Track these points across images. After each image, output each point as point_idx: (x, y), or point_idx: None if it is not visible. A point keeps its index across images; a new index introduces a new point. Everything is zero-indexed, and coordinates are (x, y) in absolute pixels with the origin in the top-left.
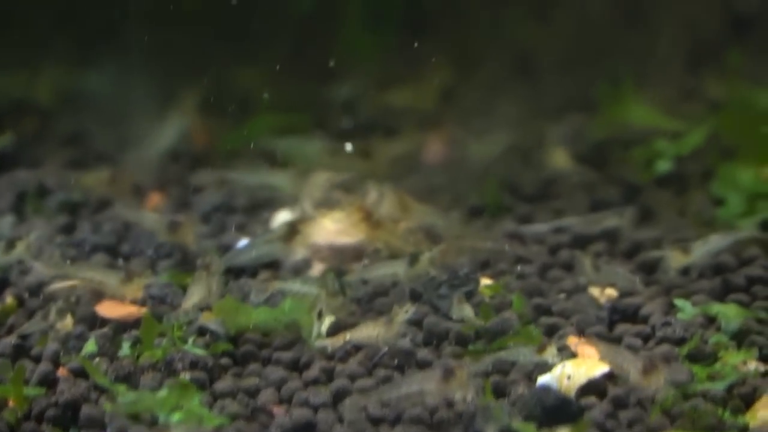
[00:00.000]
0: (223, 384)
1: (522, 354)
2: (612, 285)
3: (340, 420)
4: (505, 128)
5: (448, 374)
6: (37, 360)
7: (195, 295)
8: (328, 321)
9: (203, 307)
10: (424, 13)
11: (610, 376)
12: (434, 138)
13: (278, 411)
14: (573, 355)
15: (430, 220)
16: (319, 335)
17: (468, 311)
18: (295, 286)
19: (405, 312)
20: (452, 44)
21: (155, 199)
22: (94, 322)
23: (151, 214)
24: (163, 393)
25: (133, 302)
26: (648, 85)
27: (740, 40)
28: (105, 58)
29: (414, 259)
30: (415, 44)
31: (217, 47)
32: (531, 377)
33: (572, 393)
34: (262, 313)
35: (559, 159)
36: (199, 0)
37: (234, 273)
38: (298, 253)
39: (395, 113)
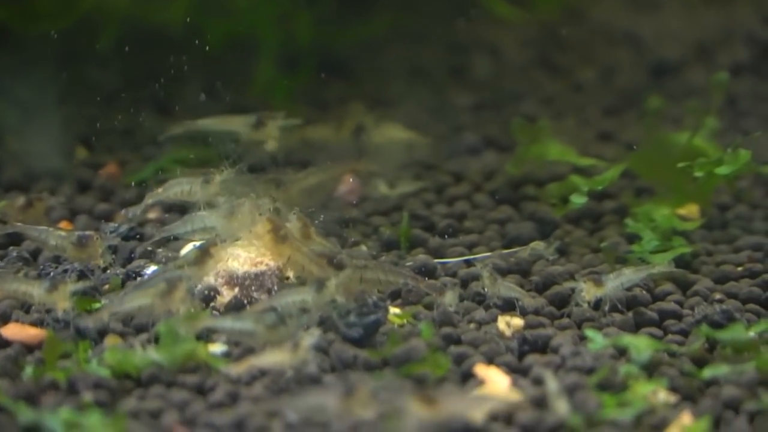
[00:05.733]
0: (126, 405)
1: None
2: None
3: None
4: (420, 166)
5: (349, 391)
6: None
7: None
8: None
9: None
10: (340, 56)
11: (519, 405)
12: (347, 172)
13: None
14: (481, 383)
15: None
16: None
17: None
18: (226, 323)
19: (311, 337)
20: (368, 86)
21: (64, 227)
22: None
23: (58, 232)
24: (63, 412)
25: (38, 324)
26: (565, 127)
27: (659, 86)
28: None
29: (321, 285)
30: (329, 85)
31: (130, 85)
32: None
33: (480, 420)
34: (149, 357)
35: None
36: (113, 38)
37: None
38: (206, 280)
39: (309, 148)
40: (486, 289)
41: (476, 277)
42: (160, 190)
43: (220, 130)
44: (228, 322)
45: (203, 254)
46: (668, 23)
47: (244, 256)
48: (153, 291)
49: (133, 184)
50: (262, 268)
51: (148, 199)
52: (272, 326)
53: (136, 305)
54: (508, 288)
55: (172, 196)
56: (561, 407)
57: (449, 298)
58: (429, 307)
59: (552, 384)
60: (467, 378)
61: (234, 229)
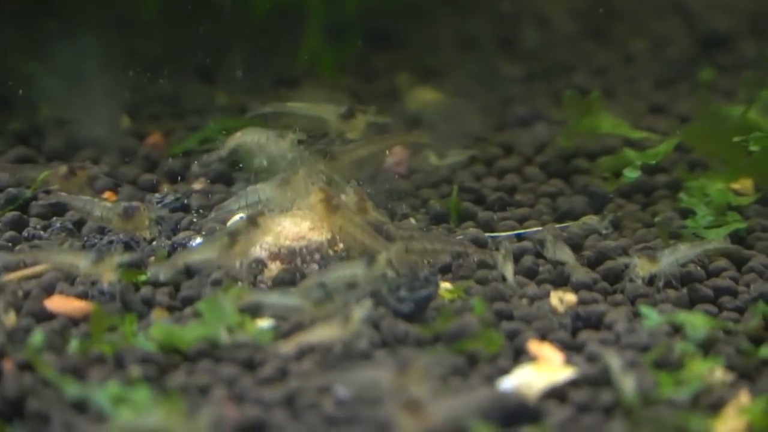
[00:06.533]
0: (174, 380)
1: None
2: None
3: (293, 418)
4: (470, 137)
5: (403, 367)
6: None
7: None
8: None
9: None
10: (388, 25)
11: (573, 382)
12: (398, 144)
13: (230, 408)
14: (534, 360)
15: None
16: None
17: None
18: (272, 298)
19: (362, 309)
20: (415, 56)
21: (109, 198)
22: (43, 316)
23: (103, 203)
24: (111, 387)
25: (84, 297)
26: (617, 99)
27: (711, 58)
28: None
29: (372, 260)
30: (376, 55)
31: (175, 53)
32: (491, 380)
33: (534, 397)
34: (195, 331)
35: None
36: (157, 7)
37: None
38: (252, 252)
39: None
40: (547, 253)
41: (527, 252)
42: (239, 134)
43: (308, 115)
44: (274, 297)
45: (250, 223)
46: None
47: (292, 229)
48: (217, 245)
49: (170, 158)
50: (311, 240)
51: (230, 142)
52: (319, 301)
53: (206, 257)
54: (564, 252)
55: (248, 141)
56: (628, 385)
57: (508, 271)
58: (481, 281)
59: (615, 362)
60: (520, 354)
61: (289, 199)
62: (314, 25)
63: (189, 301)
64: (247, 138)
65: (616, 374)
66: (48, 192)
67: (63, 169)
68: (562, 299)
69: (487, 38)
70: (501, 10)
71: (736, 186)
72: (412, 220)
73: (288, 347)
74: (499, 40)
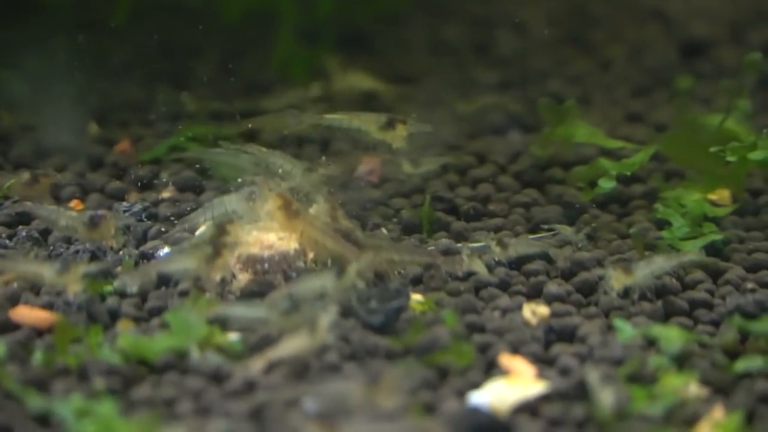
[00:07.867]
0: (139, 392)
1: None
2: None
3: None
4: (443, 146)
5: (373, 380)
6: None
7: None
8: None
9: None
10: (361, 30)
11: (545, 396)
12: (369, 154)
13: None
14: (506, 373)
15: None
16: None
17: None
18: (239, 310)
19: (328, 315)
20: (389, 61)
21: (76, 206)
22: (7, 327)
23: (69, 212)
24: (74, 400)
25: (49, 307)
26: (593, 107)
27: (689, 65)
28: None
29: (341, 271)
30: (349, 60)
31: (145, 58)
32: (461, 394)
33: (505, 412)
34: (164, 342)
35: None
36: (127, 10)
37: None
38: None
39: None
40: (497, 258)
41: (500, 263)
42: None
43: (347, 128)
44: (240, 309)
45: (219, 231)
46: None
47: (260, 238)
48: (199, 254)
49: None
50: (280, 250)
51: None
52: (286, 313)
53: (183, 267)
54: (527, 244)
55: (273, 163)
56: (606, 399)
57: (478, 266)
58: (452, 293)
59: (593, 376)
60: (491, 367)
61: (256, 212)
62: (286, 29)
63: (156, 312)
64: (273, 159)
65: (594, 388)
66: (7, 198)
67: (25, 176)
68: (534, 311)
69: (462, 44)
70: (475, 15)
71: (713, 197)
72: (384, 230)
73: (257, 365)
74: (473, 46)
